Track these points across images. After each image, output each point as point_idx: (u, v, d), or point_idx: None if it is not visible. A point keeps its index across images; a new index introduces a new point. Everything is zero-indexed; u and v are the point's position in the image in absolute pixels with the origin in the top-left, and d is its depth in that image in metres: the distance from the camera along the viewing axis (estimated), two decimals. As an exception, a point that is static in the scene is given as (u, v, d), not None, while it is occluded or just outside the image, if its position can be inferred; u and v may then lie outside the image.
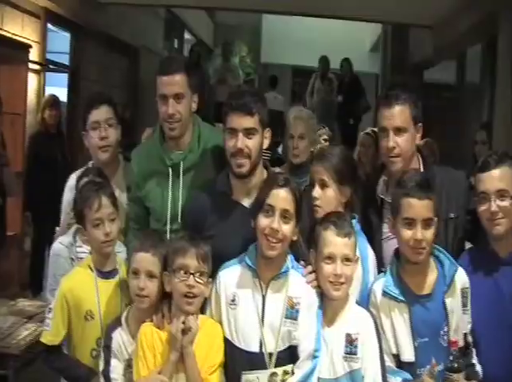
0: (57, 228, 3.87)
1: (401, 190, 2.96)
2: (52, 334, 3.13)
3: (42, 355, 3.22)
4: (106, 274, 3.15)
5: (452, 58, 10.89)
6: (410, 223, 2.90)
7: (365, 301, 3.00)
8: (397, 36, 12.26)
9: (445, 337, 2.91)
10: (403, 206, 2.92)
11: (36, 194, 6.50)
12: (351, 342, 2.85)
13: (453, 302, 2.95)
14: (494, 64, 7.68)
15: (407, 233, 2.91)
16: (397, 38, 12.23)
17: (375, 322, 2.91)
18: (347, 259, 2.86)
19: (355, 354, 2.84)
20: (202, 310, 2.95)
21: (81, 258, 3.39)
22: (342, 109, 11.61)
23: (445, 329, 2.92)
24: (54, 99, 7.15)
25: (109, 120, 3.67)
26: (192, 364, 2.80)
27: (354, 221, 3.12)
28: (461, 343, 2.90)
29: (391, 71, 12.44)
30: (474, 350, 2.96)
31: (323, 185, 3.15)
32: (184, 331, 2.81)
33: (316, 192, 3.16)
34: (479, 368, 2.95)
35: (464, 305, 2.99)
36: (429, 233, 2.91)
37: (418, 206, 2.90)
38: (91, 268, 3.16)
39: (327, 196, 3.15)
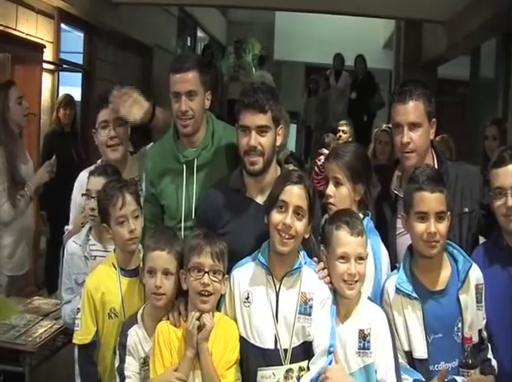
0: (66, 227, 3.89)
1: (412, 185, 2.96)
2: (82, 333, 3.15)
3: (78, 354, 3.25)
4: (129, 273, 3.16)
5: (466, 54, 10.85)
6: (423, 217, 2.89)
7: (378, 299, 3.00)
8: (410, 32, 12.19)
9: (459, 333, 2.90)
10: (415, 200, 2.92)
11: (50, 193, 6.51)
12: (363, 337, 2.85)
13: (467, 298, 2.94)
14: (508, 59, 7.64)
15: (420, 227, 2.90)
16: (411, 34, 12.16)
17: (387, 317, 2.91)
18: (360, 258, 2.86)
19: (368, 349, 2.84)
20: (217, 308, 2.96)
21: (94, 256, 3.43)
22: (356, 106, 11.59)
23: (459, 325, 2.90)
24: (69, 99, 7.17)
25: (118, 119, 3.70)
26: (207, 361, 2.81)
27: (367, 219, 3.12)
28: (476, 339, 2.90)
29: (405, 67, 12.37)
30: (489, 345, 2.95)
31: (338, 183, 3.15)
32: (199, 328, 2.81)
33: (330, 190, 3.16)
34: (494, 363, 2.94)
35: (478, 301, 2.97)
36: (442, 226, 2.89)
37: (430, 199, 2.89)
38: (114, 266, 3.17)
39: (341, 194, 3.15)
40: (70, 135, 7.16)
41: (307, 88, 13.17)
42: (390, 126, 3.83)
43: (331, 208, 3.14)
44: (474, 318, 2.95)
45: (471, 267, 2.94)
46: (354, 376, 2.83)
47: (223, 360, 2.85)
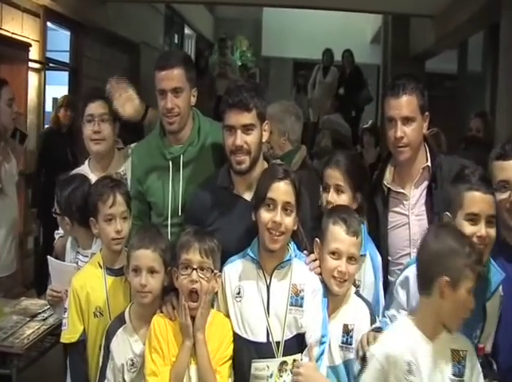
0: (56, 232, 3.87)
1: (464, 184, 2.83)
2: (69, 332, 3.14)
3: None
4: (115, 272, 3.15)
5: (454, 47, 10.86)
6: (473, 218, 2.78)
7: (378, 308, 3.01)
8: (397, 26, 12.23)
9: (476, 341, 2.81)
10: (466, 200, 2.81)
11: (44, 192, 6.47)
12: (347, 332, 2.87)
13: (493, 310, 2.89)
14: (496, 52, 7.64)
15: (470, 228, 2.77)
16: (398, 29, 12.19)
17: (371, 313, 2.91)
18: (352, 258, 2.86)
19: (350, 344, 2.86)
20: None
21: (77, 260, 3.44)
22: (344, 101, 11.59)
23: (477, 333, 2.84)
24: (70, 100, 7.16)
25: (103, 115, 3.75)
26: (203, 352, 2.81)
27: (363, 226, 3.11)
28: (488, 349, 2.84)
29: (392, 62, 12.40)
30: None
31: (339, 191, 3.17)
32: (194, 318, 2.81)
33: (332, 197, 3.17)
34: (495, 366, 2.86)
35: (499, 311, 2.92)
36: (493, 231, 2.80)
37: (483, 201, 2.80)
38: (100, 265, 3.16)
39: (342, 201, 3.16)
40: (66, 135, 7.10)
41: (295, 84, 13.17)
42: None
43: None
44: (492, 329, 2.91)
45: (502, 279, 2.86)
46: (337, 369, 2.86)
47: (217, 357, 2.85)
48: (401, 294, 2.89)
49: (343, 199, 3.16)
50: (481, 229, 2.77)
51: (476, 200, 2.80)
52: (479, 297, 2.79)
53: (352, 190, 3.17)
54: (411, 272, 2.83)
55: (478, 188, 2.80)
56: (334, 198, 3.17)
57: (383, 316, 2.95)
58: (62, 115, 6.99)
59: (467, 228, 2.78)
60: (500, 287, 2.89)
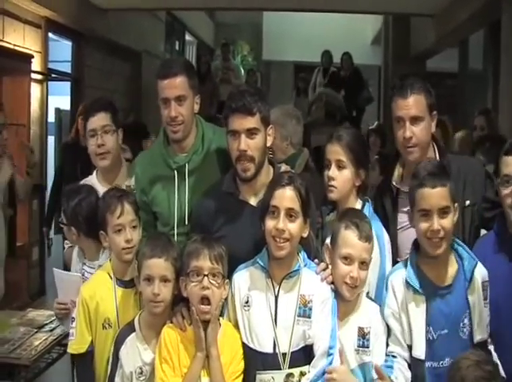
0: (66, 241, 3.87)
1: (414, 181, 2.90)
2: (77, 342, 3.12)
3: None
4: (125, 283, 3.13)
5: (455, 46, 10.86)
6: (426, 214, 2.83)
7: (383, 284, 2.99)
8: (398, 26, 12.24)
9: (465, 330, 2.85)
10: (417, 197, 2.87)
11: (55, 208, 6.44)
12: (363, 335, 2.85)
13: (475, 297, 2.89)
14: (497, 50, 7.64)
15: (423, 225, 2.84)
16: (399, 28, 12.20)
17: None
18: (364, 263, 2.84)
19: (367, 347, 2.84)
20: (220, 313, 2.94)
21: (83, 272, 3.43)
22: (344, 102, 11.57)
23: (465, 321, 2.85)
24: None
25: (105, 127, 3.70)
26: (216, 365, 2.80)
27: (368, 204, 3.13)
28: (486, 336, 2.87)
29: (393, 62, 12.40)
30: (492, 347, 2.90)
31: (340, 166, 3.13)
32: (204, 323, 2.80)
33: (333, 172, 3.13)
34: (500, 366, 2.81)
35: (485, 298, 2.92)
36: (446, 222, 2.83)
37: (432, 195, 2.83)
38: (110, 276, 3.14)
39: (344, 177, 3.12)
40: (83, 150, 6.96)
41: (295, 87, 13.15)
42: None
43: (332, 191, 3.12)
44: (481, 315, 2.90)
45: (476, 265, 2.88)
46: (352, 373, 2.82)
47: (229, 371, 2.84)
48: (394, 328, 2.91)
49: (345, 174, 3.11)
50: (433, 224, 2.81)
51: (424, 196, 2.83)
52: (457, 286, 2.87)
53: (354, 166, 3.12)
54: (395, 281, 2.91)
55: (425, 183, 2.83)
56: (335, 173, 3.12)
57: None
58: (80, 125, 6.77)
59: (422, 225, 2.84)
60: (477, 273, 2.88)
